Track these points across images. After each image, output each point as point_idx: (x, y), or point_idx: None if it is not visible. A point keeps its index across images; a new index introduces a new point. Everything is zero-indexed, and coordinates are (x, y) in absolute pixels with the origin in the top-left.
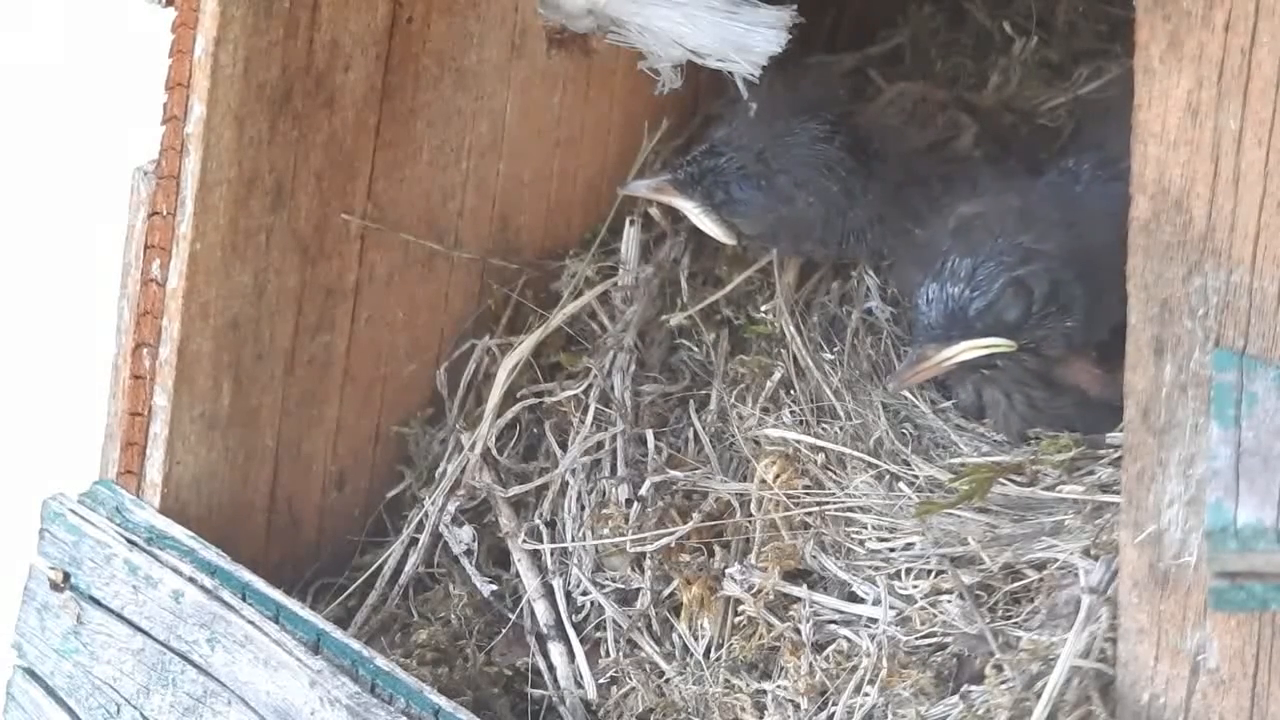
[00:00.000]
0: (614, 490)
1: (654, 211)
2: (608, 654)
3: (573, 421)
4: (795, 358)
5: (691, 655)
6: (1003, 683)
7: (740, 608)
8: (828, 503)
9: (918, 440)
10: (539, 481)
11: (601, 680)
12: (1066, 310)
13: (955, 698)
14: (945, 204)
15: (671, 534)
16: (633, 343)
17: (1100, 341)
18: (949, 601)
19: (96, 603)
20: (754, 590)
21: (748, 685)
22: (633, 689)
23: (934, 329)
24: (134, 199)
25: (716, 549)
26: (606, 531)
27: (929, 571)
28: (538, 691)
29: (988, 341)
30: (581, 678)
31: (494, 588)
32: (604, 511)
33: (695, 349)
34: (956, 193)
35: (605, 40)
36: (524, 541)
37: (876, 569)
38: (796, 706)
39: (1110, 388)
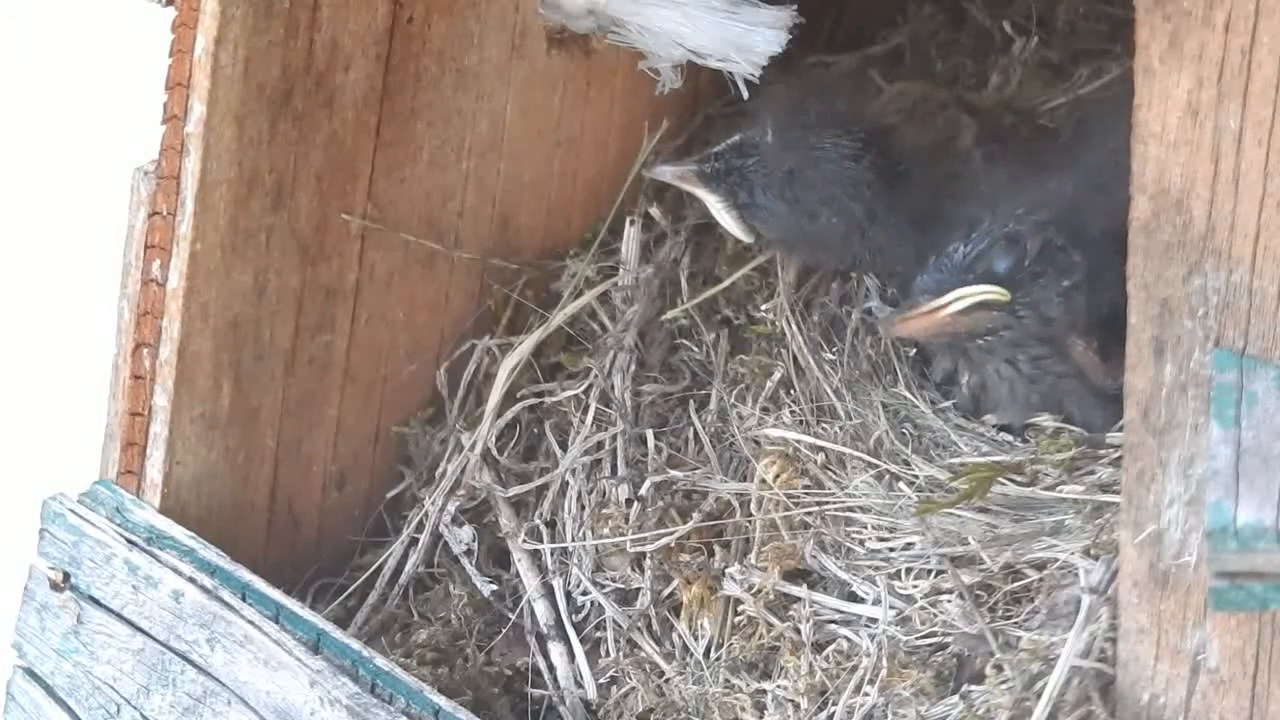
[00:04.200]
0: (614, 490)
1: (654, 211)
2: (608, 654)
3: (573, 421)
4: (795, 358)
5: (691, 655)
6: (1003, 683)
7: (740, 608)
8: (828, 503)
9: (918, 440)
10: (539, 481)
11: (601, 680)
12: (1064, 272)
13: (955, 698)
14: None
15: (671, 534)
16: (633, 343)
17: (1101, 332)
18: (949, 601)
19: (96, 603)
20: (754, 590)
21: (748, 685)
22: (633, 689)
23: (929, 286)
24: (134, 199)
25: (716, 549)
26: (606, 531)
27: (929, 571)
28: (538, 691)
29: (981, 289)
30: (581, 678)
31: (494, 588)
32: (604, 511)
33: (695, 349)
34: (961, 198)
35: (605, 40)
36: (524, 541)
37: (876, 569)
38: (796, 706)
39: (1109, 379)
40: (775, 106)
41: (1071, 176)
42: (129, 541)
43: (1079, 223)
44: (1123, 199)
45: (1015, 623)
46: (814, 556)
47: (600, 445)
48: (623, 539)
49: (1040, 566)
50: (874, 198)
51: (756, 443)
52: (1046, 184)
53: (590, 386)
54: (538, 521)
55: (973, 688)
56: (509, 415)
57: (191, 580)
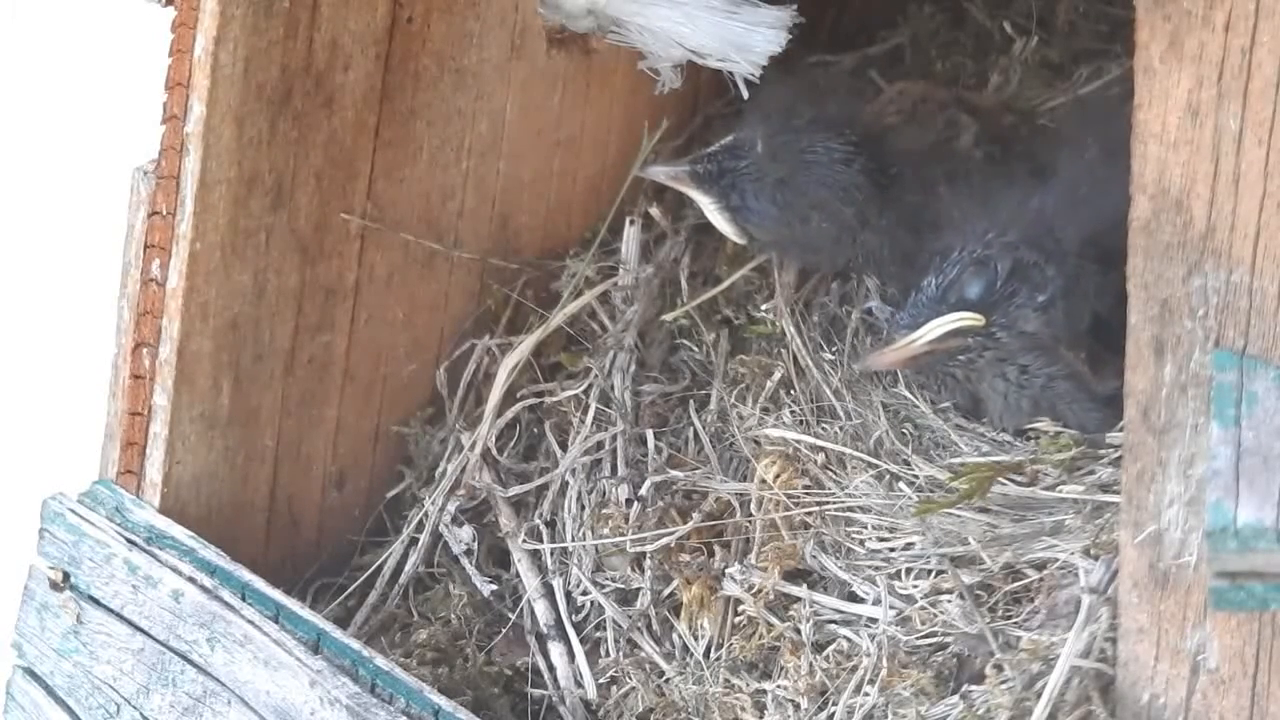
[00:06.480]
0: (614, 490)
1: (654, 211)
2: (608, 654)
3: (573, 421)
4: (795, 358)
5: (691, 655)
6: (1003, 683)
7: (740, 608)
8: (828, 503)
9: (918, 440)
10: (539, 481)
11: (601, 680)
12: (1038, 288)
13: (955, 698)
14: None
15: (671, 534)
16: (633, 343)
17: (1088, 341)
18: (949, 601)
19: (96, 602)
20: (754, 590)
21: (748, 685)
22: (633, 689)
23: (906, 323)
24: (134, 199)
25: (716, 549)
26: (606, 531)
27: (929, 571)
28: (538, 691)
29: (955, 316)
30: (581, 678)
31: (494, 588)
32: (604, 511)
33: (695, 349)
34: (958, 202)
35: (605, 40)
36: (524, 541)
37: (876, 569)
38: (796, 706)
39: (1101, 386)
40: (766, 111)
41: (1049, 187)
42: (129, 541)
43: (1054, 236)
44: (1101, 207)
45: (1015, 623)
46: (814, 556)
47: (600, 445)
48: (623, 539)
49: (1040, 566)
50: (865, 201)
51: (756, 443)
52: (1019, 199)
53: (590, 386)
54: (538, 521)
55: (973, 688)
56: (509, 415)
57: (191, 580)
